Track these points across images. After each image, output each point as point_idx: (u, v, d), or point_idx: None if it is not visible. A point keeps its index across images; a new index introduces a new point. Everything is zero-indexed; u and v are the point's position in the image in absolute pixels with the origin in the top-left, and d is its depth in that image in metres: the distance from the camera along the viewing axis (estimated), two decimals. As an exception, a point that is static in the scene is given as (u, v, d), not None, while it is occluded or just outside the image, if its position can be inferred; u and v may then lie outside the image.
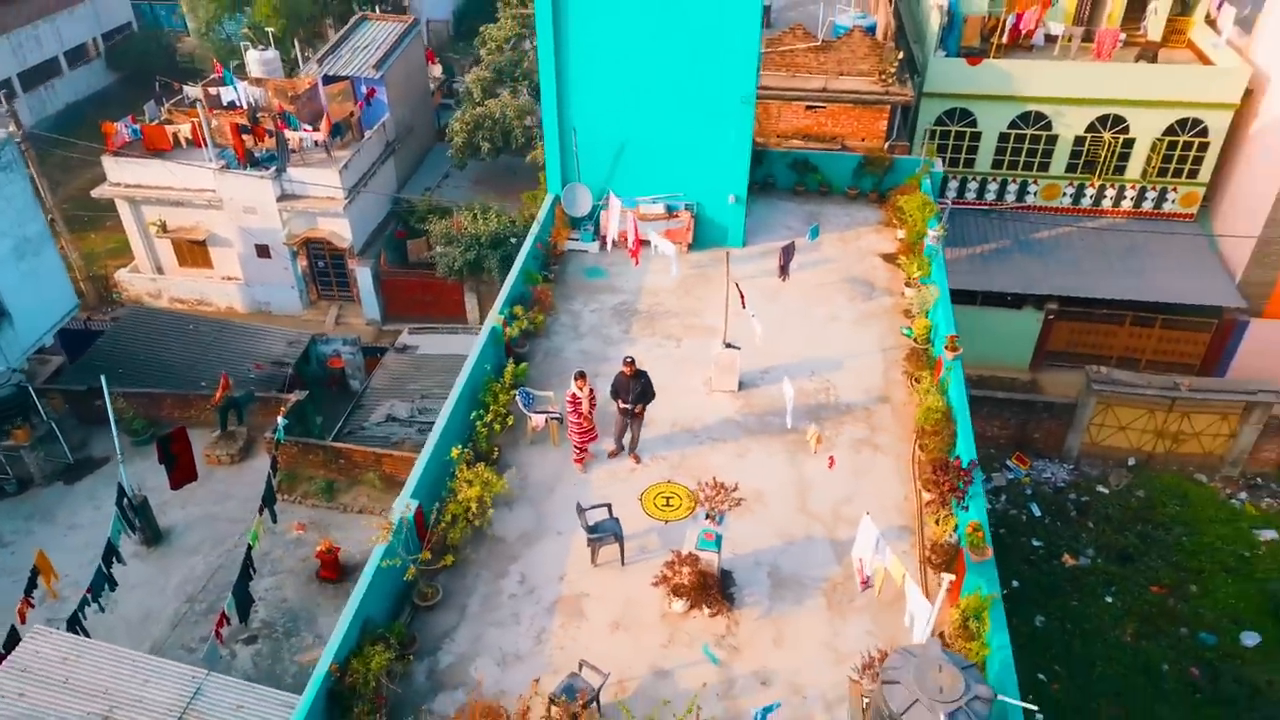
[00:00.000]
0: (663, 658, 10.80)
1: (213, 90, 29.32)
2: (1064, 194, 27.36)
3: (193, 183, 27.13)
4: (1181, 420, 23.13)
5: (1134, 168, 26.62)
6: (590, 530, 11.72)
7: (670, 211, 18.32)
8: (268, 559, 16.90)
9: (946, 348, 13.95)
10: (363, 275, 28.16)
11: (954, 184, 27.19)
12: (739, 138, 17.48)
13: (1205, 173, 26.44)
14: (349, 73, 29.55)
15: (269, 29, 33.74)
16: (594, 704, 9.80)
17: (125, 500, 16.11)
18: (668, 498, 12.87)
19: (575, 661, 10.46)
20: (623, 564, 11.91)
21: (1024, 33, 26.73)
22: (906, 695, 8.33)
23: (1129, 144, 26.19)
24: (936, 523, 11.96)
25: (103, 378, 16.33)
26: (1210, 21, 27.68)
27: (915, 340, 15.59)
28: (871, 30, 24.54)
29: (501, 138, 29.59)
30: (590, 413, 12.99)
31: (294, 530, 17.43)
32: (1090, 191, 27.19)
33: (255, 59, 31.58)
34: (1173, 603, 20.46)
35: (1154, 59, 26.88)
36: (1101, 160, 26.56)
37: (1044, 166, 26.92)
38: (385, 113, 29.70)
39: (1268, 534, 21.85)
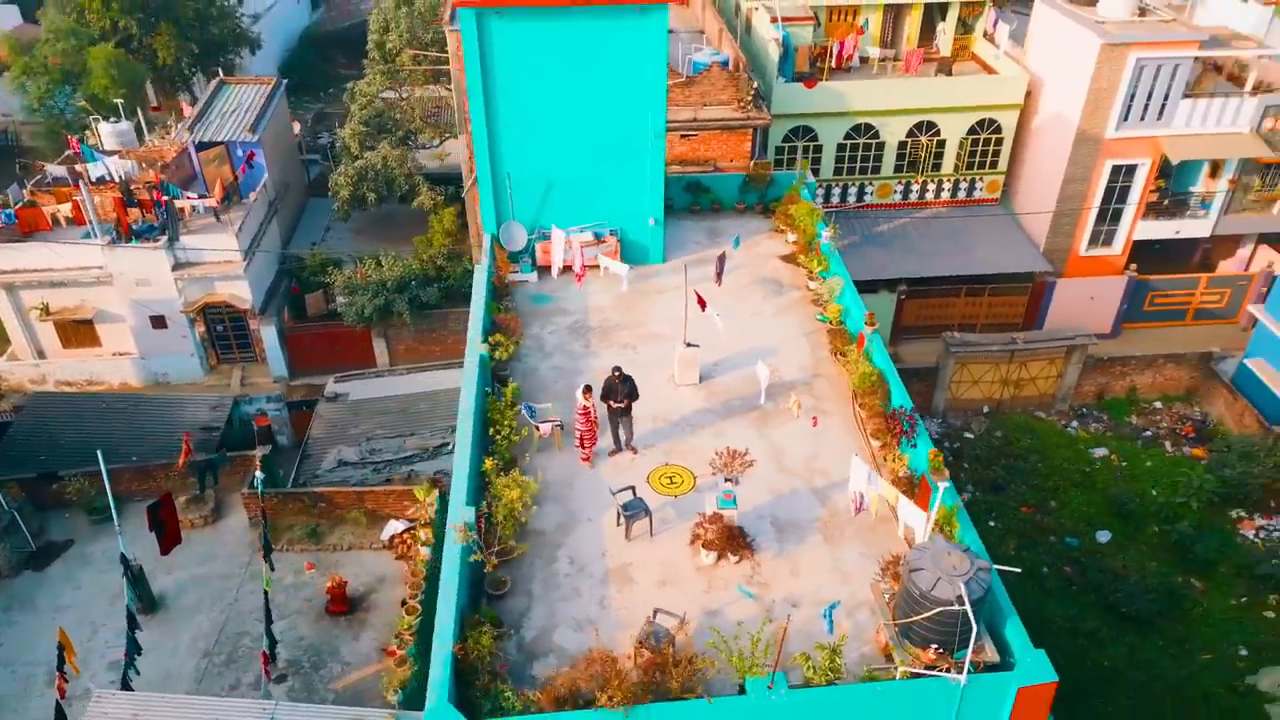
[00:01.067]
0: (708, 601, 13.00)
1: (77, 166, 28.79)
2: (895, 192, 31.76)
3: (77, 261, 26.69)
4: (1020, 369, 27.70)
5: (947, 164, 31.37)
6: (624, 509, 13.79)
7: (598, 238, 20.56)
8: (273, 605, 17.68)
9: (866, 323, 17.00)
10: (267, 333, 28.52)
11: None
12: (654, 167, 20.01)
13: (1003, 163, 31.58)
14: (223, 137, 29.85)
15: (116, 99, 33.18)
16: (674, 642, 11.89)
17: (127, 571, 16.52)
18: (670, 477, 15.09)
19: (639, 618, 12.49)
20: (651, 535, 14.03)
21: (846, 57, 31.00)
22: (930, 576, 11.02)
23: (941, 144, 30.89)
24: (890, 460, 14.89)
25: (98, 459, 16.65)
26: (988, 37, 33.02)
27: (830, 323, 18.63)
28: (725, 64, 27.82)
29: (385, 187, 30.78)
30: (595, 419, 15.04)
31: (306, 570, 18.28)
32: (915, 187, 31.72)
33: (109, 131, 31.11)
34: (1040, 518, 24.67)
35: (949, 72, 31.85)
36: (921, 160, 31.13)
37: (876, 169, 31.21)
38: (264, 174, 30.18)
39: (1099, 451, 26.64)
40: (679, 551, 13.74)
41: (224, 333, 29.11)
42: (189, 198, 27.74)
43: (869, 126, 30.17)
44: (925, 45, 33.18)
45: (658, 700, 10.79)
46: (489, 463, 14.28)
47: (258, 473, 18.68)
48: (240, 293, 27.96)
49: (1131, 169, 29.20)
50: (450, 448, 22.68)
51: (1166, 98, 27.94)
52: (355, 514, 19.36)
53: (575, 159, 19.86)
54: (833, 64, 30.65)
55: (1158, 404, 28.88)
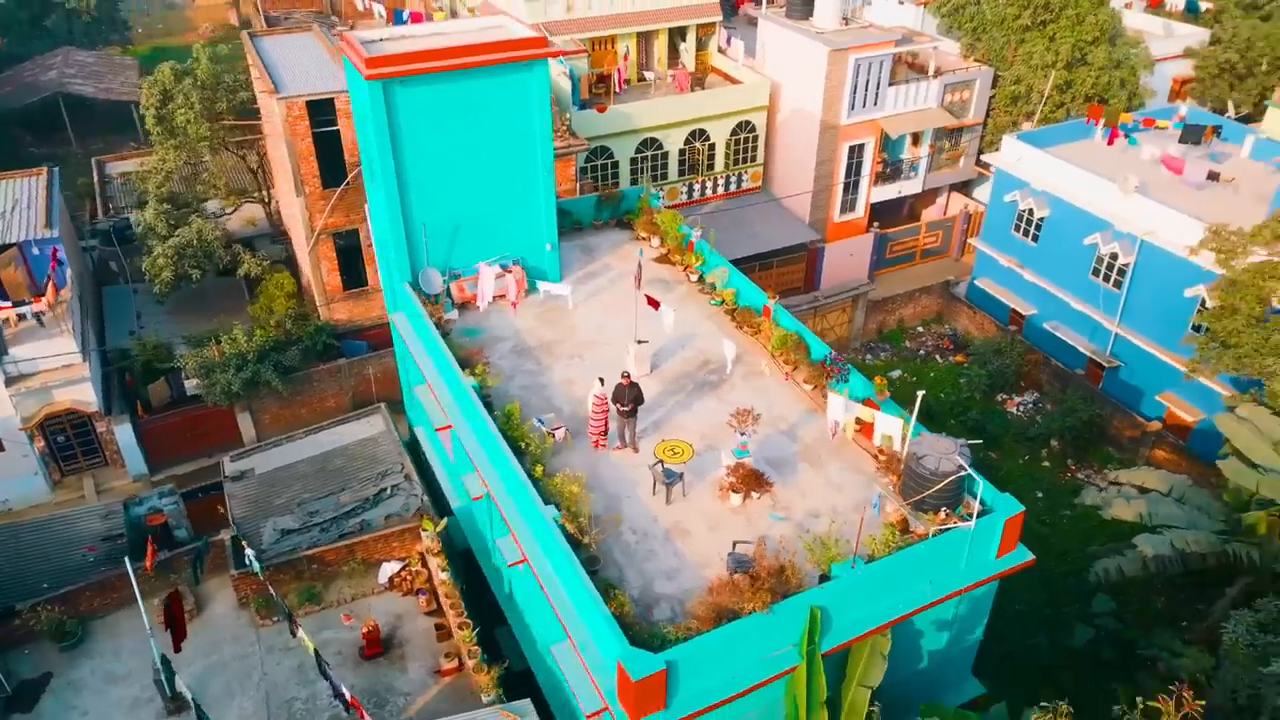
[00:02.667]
0: (750, 531, 16.23)
1: None
2: (681, 193, 36.35)
3: (-116, 397, 23.85)
4: (822, 319, 33.40)
5: (719, 163, 36.50)
6: (666, 477, 16.62)
7: (504, 268, 22.75)
8: (305, 668, 18.23)
9: (770, 297, 20.98)
10: (122, 433, 27.08)
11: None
12: (546, 198, 22.60)
13: (760, 156, 37.29)
14: (16, 238, 27.59)
15: None
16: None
17: (162, 677, 16.49)
18: (673, 449, 17.98)
19: (713, 558, 15.49)
20: (684, 495, 16.99)
21: (622, 82, 35.05)
22: (933, 459, 15.14)
23: (712, 148, 35.93)
24: (824, 398, 18.97)
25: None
26: (722, 51, 38.61)
27: (725, 305, 22.42)
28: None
29: (206, 260, 30.11)
30: (608, 408, 17.62)
31: (345, 621, 18.84)
32: (697, 187, 36.54)
33: None
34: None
35: (703, 86, 37.00)
36: (699, 163, 35.99)
37: (664, 176, 35.59)
38: (67, 267, 28.32)
39: (895, 374, 32.99)
40: (711, 502, 16.85)
41: (66, 443, 27.16)
42: (3, 307, 25.63)
43: (655, 140, 34.42)
44: (672, 64, 38.11)
45: (784, 598, 13.91)
46: (539, 469, 16.45)
47: (249, 551, 18.92)
48: (84, 396, 26.36)
49: (861, 147, 36.03)
50: (389, 493, 23.76)
51: (879, 88, 34.92)
52: (349, 566, 20.09)
53: (478, 201, 21.93)
54: (617, 89, 34.56)
55: (920, 329, 36.05)
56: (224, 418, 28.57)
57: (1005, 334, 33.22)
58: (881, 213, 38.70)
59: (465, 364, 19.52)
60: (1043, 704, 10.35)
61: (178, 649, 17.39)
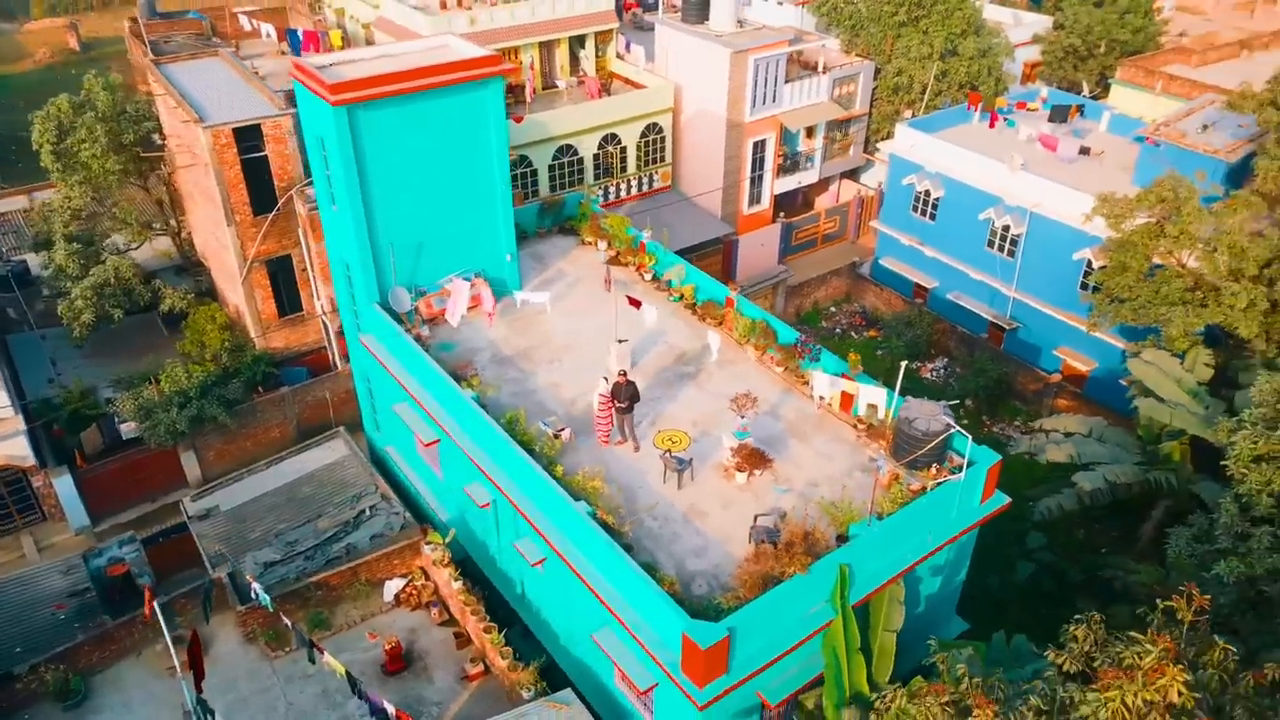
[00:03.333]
0: (759, 505, 17.55)
1: None
2: (598, 196, 37.30)
3: None
4: (748, 309, 35.09)
5: (630, 165, 37.70)
6: (678, 465, 17.69)
7: (466, 281, 23.19)
8: (330, 692, 18.34)
9: (732, 289, 22.33)
10: (61, 485, 25.87)
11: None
12: (505, 210, 23.20)
13: (669, 156, 38.72)
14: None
15: None
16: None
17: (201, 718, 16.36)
18: (672, 439, 19.13)
19: (737, 533, 16.71)
20: (693, 480, 18.12)
21: (532, 91, 35.73)
22: (923, 422, 16.84)
23: (624, 151, 37.08)
24: (806, 382, 20.48)
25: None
26: (620, 57, 39.81)
27: (684, 299, 23.65)
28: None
29: (126, 298, 29.03)
30: (606, 411, 18.53)
31: (370, 639, 18.91)
32: (612, 189, 37.61)
33: None
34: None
35: (608, 91, 38.09)
36: (612, 166, 37.07)
37: (580, 180, 36.47)
38: (-23, 318, 26.77)
39: (819, 353, 35.01)
40: (718, 483, 18.06)
41: (0, 502, 25.71)
42: (-82, 364, 24.08)
43: (570, 146, 35.25)
44: (574, 72, 39.02)
45: (816, 559, 15.26)
46: (559, 469, 17.23)
47: (255, 585, 18.78)
48: (19, 451, 25.10)
49: (764, 142, 37.98)
50: (369, 514, 23.82)
51: (776, 85, 36.94)
52: (354, 589, 20.16)
53: (440, 218, 22.36)
54: (528, 99, 35.18)
55: (833, 309, 38.38)
56: (166, 459, 27.65)
57: (912, 307, 35.87)
58: (780, 204, 40.83)
59: (457, 377, 19.98)
60: (1077, 616, 12.00)
61: (199, 690, 17.19)
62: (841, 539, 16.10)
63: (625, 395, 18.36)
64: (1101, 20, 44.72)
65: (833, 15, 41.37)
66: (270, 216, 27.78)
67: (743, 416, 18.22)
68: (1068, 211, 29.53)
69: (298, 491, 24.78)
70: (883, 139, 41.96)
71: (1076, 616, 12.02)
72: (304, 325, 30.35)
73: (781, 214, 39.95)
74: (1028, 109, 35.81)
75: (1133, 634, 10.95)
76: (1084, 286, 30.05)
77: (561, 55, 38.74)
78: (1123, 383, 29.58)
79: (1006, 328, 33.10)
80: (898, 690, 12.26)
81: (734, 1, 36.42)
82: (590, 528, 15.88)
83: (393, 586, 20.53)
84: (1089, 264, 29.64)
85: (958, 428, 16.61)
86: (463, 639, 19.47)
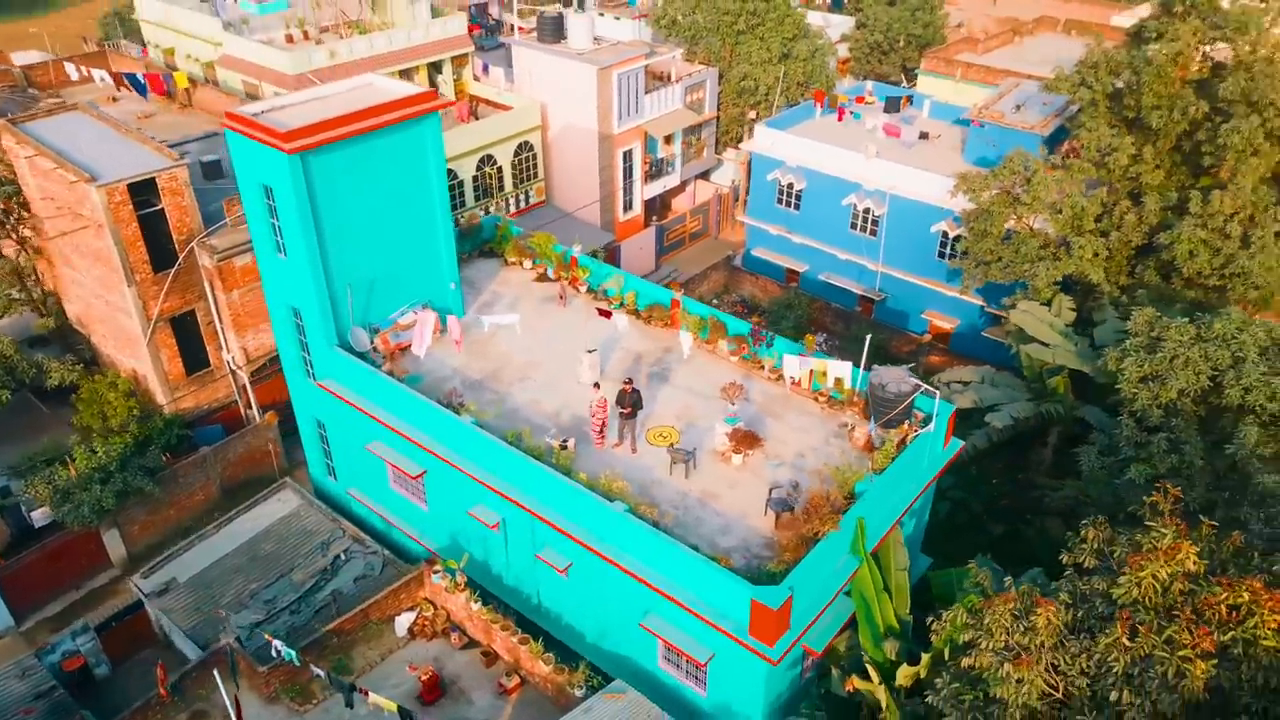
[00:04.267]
0: (761, 481, 19.34)
1: None
2: (480, 217, 37.84)
3: None
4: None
5: (508, 184, 38.54)
6: (686, 457, 19.15)
7: (416, 313, 23.52)
8: (376, 732, 18.44)
9: (675, 291, 23.99)
10: (-20, 587, 23.74)
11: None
12: (446, 240, 23.68)
13: (541, 172, 39.85)
14: None
15: None
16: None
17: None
18: (662, 434, 20.56)
19: (754, 507, 18.42)
20: (696, 467, 19.64)
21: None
22: (895, 386, 19.22)
23: (500, 170, 37.87)
24: (762, 367, 22.48)
25: None
26: (477, 79, 40.52)
27: (625, 305, 25.06)
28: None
29: (8, 376, 26.89)
30: (606, 410, 19.69)
31: (410, 671, 18.95)
32: (493, 208, 38.27)
33: None
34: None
35: (476, 114, 38.73)
36: (490, 186, 37.77)
37: (463, 204, 36.91)
38: None
39: (715, 343, 37.30)
40: (718, 468, 19.71)
41: (-92, 617, 23.26)
42: None
43: (451, 171, 35.62)
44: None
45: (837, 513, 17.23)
46: (584, 475, 18.28)
47: (276, 642, 18.50)
48: (-73, 556, 22.84)
49: (631, 151, 39.87)
50: (344, 558, 23.64)
51: (638, 97, 38.90)
52: (368, 629, 20.12)
53: (388, 254, 22.61)
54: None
55: (715, 300, 40.84)
56: (87, 542, 25.88)
57: (788, 291, 38.91)
58: (647, 209, 42.92)
59: (449, 405, 20.48)
60: (1084, 521, 14.54)
61: (247, 758, 16.93)
62: (849, 497, 18.15)
63: (630, 402, 19.59)
64: (898, 18, 49.95)
65: (671, 27, 43.85)
66: (172, 272, 26.62)
67: (732, 404, 19.94)
68: (922, 190, 33.35)
69: (259, 550, 24.12)
70: (731, 140, 45.05)
71: (1084, 521, 14.56)
72: (213, 382, 29.16)
73: (654, 217, 42.01)
74: (865, 102, 39.74)
75: (1148, 524, 13.62)
76: (941, 255, 34.02)
77: (420, 80, 38.94)
78: (984, 334, 33.96)
79: (876, 299, 36.74)
80: (958, 608, 14.40)
81: (590, 21, 38.06)
82: (632, 523, 17.09)
83: (404, 621, 20.70)
84: (944, 235, 33.61)
85: (926, 386, 19.11)
86: (490, 657, 20.02)
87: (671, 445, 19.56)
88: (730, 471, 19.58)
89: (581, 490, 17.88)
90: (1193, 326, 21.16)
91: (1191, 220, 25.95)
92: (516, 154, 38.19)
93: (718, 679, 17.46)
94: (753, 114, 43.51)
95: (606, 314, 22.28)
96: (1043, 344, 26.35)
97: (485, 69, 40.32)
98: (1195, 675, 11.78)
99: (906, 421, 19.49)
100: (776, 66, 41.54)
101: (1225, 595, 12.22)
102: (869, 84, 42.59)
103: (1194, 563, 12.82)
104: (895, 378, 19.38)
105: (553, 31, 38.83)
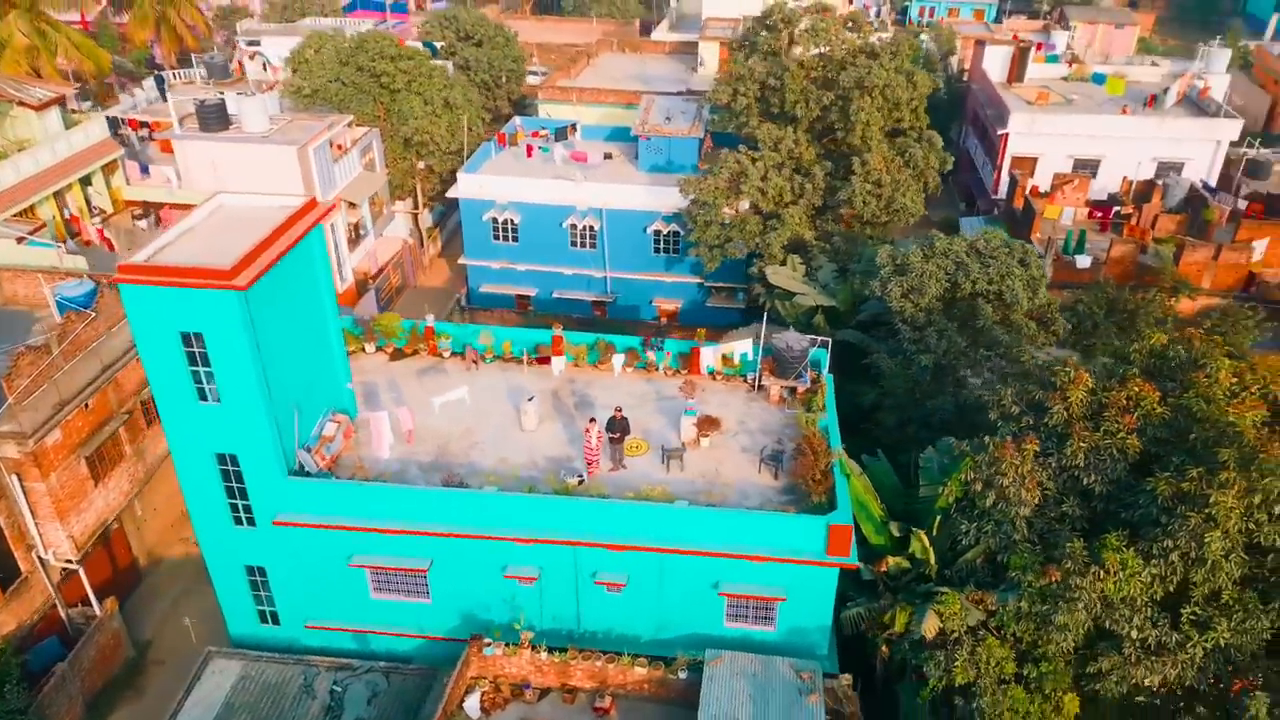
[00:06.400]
0: (732, 450, 23.25)
1: None
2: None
3: None
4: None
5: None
6: (674, 454, 22.30)
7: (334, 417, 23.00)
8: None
9: (556, 328, 26.42)
10: None
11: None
12: (338, 341, 23.36)
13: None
14: None
15: None
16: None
17: None
18: (636, 445, 23.31)
19: (749, 473, 22.35)
20: (681, 467, 22.86)
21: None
22: (795, 344, 24.37)
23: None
24: (657, 369, 26.15)
25: None
26: (129, 182, 36.91)
27: (505, 355, 26.76)
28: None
29: None
30: (598, 446, 21.98)
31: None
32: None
33: None
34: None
35: (111, 244, 35.51)
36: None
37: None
38: None
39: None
40: (695, 454, 23.15)
41: None
42: None
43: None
44: (94, 211, 35.00)
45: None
46: (629, 493, 20.67)
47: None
48: None
49: (334, 225, 39.43)
50: (342, 691, 22.54)
51: (329, 169, 38.64)
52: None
53: (301, 368, 21.92)
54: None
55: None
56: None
57: (526, 316, 42.00)
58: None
59: (458, 485, 21.10)
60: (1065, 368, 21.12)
61: None
62: (820, 436, 22.92)
63: (619, 428, 22.05)
64: (488, 58, 54.27)
65: (313, 97, 43.49)
66: (-32, 476, 21.98)
67: (691, 398, 23.47)
68: (633, 200, 38.86)
69: (235, 725, 21.83)
70: (404, 193, 46.37)
71: (1064, 369, 21.06)
72: (29, 590, 24.35)
73: (370, 281, 41.97)
74: (541, 135, 43.91)
75: (1055, 369, 20.56)
76: (658, 250, 40.00)
77: (78, 199, 34.57)
78: (708, 305, 40.78)
79: (608, 301, 41.61)
80: (965, 469, 20.13)
81: (263, 103, 36.95)
82: (701, 512, 20.10)
83: (473, 704, 20.95)
84: (658, 234, 39.55)
85: (818, 340, 24.52)
86: (571, 693, 21.33)
87: (664, 447, 22.56)
88: (706, 452, 23.15)
89: (640, 504, 20.28)
90: (921, 249, 29.46)
91: (858, 178, 34.88)
92: (224, 252, 35.73)
93: (788, 609, 21.27)
94: (422, 164, 45.23)
95: (546, 360, 24.09)
96: (791, 294, 33.50)
97: (144, 170, 36.67)
98: (1133, 445, 18.86)
99: (811, 375, 24.76)
100: (441, 117, 43.76)
101: (1123, 394, 19.50)
102: (518, 120, 46.80)
103: (1089, 383, 19.99)
104: (792, 340, 24.53)
105: (217, 120, 36.86)
